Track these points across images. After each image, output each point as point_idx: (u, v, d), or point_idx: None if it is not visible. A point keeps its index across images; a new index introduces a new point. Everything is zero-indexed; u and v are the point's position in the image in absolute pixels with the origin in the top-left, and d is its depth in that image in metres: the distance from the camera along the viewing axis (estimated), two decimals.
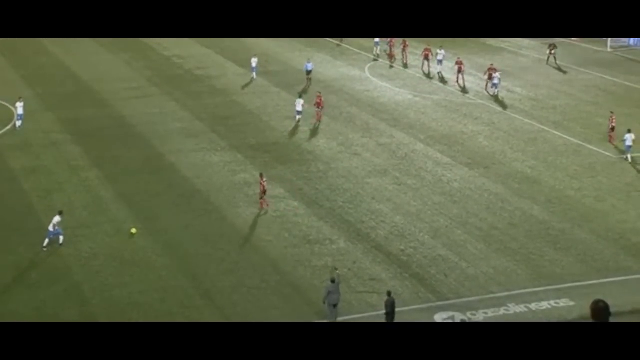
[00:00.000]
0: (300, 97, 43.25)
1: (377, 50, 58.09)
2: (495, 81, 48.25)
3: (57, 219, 28.71)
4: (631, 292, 25.47)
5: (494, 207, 32.42)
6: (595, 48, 60.90)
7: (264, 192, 31.57)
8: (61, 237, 28.72)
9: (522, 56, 58.11)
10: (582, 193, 33.90)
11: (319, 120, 42.63)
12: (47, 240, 28.51)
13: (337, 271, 25.45)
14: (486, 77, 49.31)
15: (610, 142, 39.68)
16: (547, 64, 55.47)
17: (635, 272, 27.18)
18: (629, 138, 37.60)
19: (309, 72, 50.45)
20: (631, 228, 30.56)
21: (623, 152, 37.82)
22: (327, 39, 62.71)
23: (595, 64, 56.06)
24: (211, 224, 30.97)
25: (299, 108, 42.49)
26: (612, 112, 40.83)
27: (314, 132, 41.34)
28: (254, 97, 47.70)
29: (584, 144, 39.77)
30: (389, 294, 24.15)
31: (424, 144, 39.76)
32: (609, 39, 60.56)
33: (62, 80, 51.63)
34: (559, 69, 54.39)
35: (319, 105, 42.49)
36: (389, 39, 57.61)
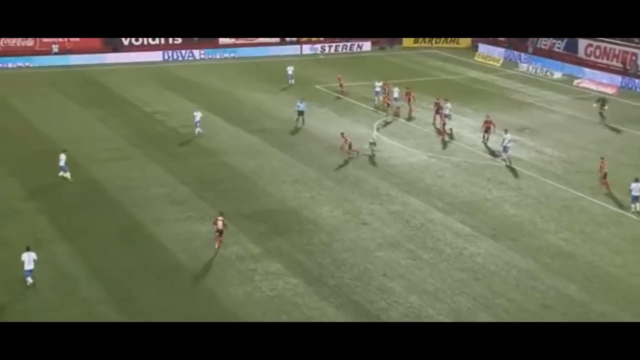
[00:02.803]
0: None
1: (379, 100, 59.10)
2: (507, 143, 46.80)
3: (32, 255, 31.45)
4: None
5: (523, 286, 32.28)
6: (634, 103, 61.55)
7: (220, 232, 34.90)
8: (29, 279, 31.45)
9: (552, 112, 58.65)
10: (625, 270, 33.82)
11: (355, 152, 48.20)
12: (29, 280, 31.36)
13: None
14: (483, 132, 50.23)
15: (606, 189, 41.95)
16: (601, 122, 56.26)
17: None
18: (636, 187, 39.15)
19: (301, 113, 53.96)
20: None
21: (621, 205, 39.68)
22: (327, 91, 63.38)
23: (634, 121, 56.62)
24: (197, 304, 30.75)
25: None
26: (602, 158, 43.51)
27: (318, 198, 41.44)
28: (247, 158, 47.98)
29: (626, 213, 39.83)
30: None
31: (442, 212, 39.82)
32: None
33: (26, 140, 51.88)
34: (609, 127, 55.39)
35: (345, 141, 48.27)
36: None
